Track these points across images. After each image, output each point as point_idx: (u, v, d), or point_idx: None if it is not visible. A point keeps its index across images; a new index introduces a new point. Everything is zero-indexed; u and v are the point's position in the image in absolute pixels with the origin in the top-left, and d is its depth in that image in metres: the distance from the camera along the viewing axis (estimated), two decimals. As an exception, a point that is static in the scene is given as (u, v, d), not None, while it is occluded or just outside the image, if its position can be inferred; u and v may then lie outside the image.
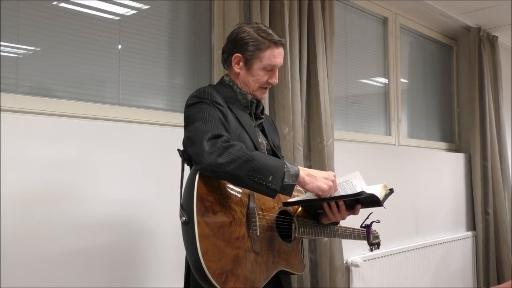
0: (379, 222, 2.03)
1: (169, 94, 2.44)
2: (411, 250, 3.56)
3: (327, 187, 1.56)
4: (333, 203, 1.71)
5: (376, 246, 2.10)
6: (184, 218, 1.44)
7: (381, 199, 1.70)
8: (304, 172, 1.54)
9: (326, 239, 2.73)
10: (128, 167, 2.07)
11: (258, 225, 1.58)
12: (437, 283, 3.81)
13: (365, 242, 2.05)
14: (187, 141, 1.55)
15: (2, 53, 1.87)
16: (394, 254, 3.36)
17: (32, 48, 1.99)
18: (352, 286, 3.02)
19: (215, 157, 1.45)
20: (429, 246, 3.75)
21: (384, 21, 3.80)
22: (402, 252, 3.46)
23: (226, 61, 1.81)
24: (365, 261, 3.05)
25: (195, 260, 1.41)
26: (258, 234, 1.57)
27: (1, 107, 1.79)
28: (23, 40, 1.94)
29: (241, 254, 1.51)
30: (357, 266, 3.01)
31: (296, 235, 1.73)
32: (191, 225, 1.41)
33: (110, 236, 2.00)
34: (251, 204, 1.57)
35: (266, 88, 1.81)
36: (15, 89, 1.90)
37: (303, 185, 1.55)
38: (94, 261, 1.94)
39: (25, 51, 1.97)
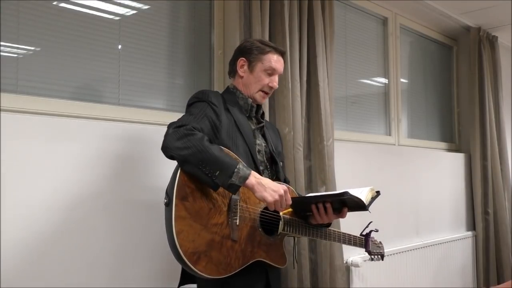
0: (377, 231, 2.07)
1: (169, 94, 2.44)
2: (411, 250, 3.56)
3: (271, 199, 1.64)
4: (320, 205, 1.78)
5: (378, 256, 2.13)
6: (165, 200, 1.59)
7: (366, 203, 1.76)
8: (255, 179, 1.64)
9: (326, 239, 2.74)
10: (128, 167, 2.07)
11: (238, 215, 1.68)
12: (437, 283, 3.82)
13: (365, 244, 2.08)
14: None
15: (2, 53, 1.87)
16: (394, 254, 3.36)
17: (32, 48, 1.99)
18: (352, 286, 3.02)
19: (173, 140, 1.60)
20: (429, 246, 3.75)
21: (384, 21, 3.81)
22: (402, 252, 3.46)
23: (232, 68, 1.99)
24: (365, 261, 3.05)
25: (170, 239, 1.55)
26: (237, 223, 1.67)
27: (1, 107, 1.79)
28: (23, 40, 1.94)
29: (217, 239, 1.62)
30: (357, 266, 3.01)
31: (281, 231, 1.81)
32: (170, 207, 1.55)
33: (110, 235, 2.00)
34: (234, 196, 1.68)
35: (267, 93, 1.96)
36: (15, 89, 1.90)
37: (252, 191, 1.66)
38: (93, 259, 1.94)
39: (25, 51, 1.97)
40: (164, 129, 2.26)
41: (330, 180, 2.77)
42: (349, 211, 1.87)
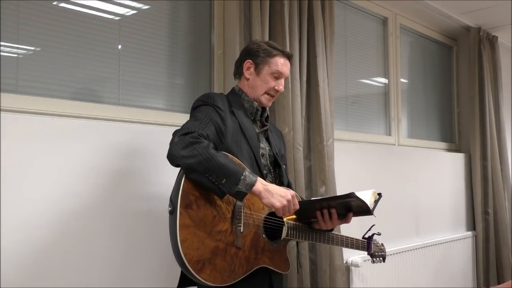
0: (380, 234, 2.07)
1: (169, 94, 2.44)
2: (411, 250, 3.56)
3: (280, 205, 1.65)
4: (325, 211, 1.78)
5: (380, 258, 2.13)
6: (170, 208, 1.59)
7: (371, 207, 1.76)
8: (261, 186, 1.64)
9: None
10: (128, 167, 2.07)
11: (242, 222, 1.68)
12: (437, 283, 3.82)
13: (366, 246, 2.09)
14: None
15: (2, 53, 1.87)
16: (394, 254, 3.36)
17: (32, 48, 1.99)
18: (352, 286, 3.02)
19: (179, 148, 1.59)
20: (429, 246, 3.75)
21: (384, 21, 3.80)
22: (402, 252, 3.46)
23: (238, 70, 1.98)
24: (365, 261, 3.05)
25: (174, 247, 1.54)
26: (241, 230, 1.67)
27: (1, 107, 1.79)
28: (23, 40, 1.94)
29: (221, 246, 1.61)
30: (357, 266, 3.01)
31: (285, 237, 1.80)
32: (174, 215, 1.55)
33: (110, 234, 2.00)
34: (238, 203, 1.67)
35: (272, 96, 1.95)
36: (15, 89, 1.90)
37: (259, 198, 1.65)
38: (93, 259, 1.94)
39: (25, 51, 1.97)
40: (164, 129, 2.28)
41: (330, 180, 2.77)
42: (354, 216, 1.87)
